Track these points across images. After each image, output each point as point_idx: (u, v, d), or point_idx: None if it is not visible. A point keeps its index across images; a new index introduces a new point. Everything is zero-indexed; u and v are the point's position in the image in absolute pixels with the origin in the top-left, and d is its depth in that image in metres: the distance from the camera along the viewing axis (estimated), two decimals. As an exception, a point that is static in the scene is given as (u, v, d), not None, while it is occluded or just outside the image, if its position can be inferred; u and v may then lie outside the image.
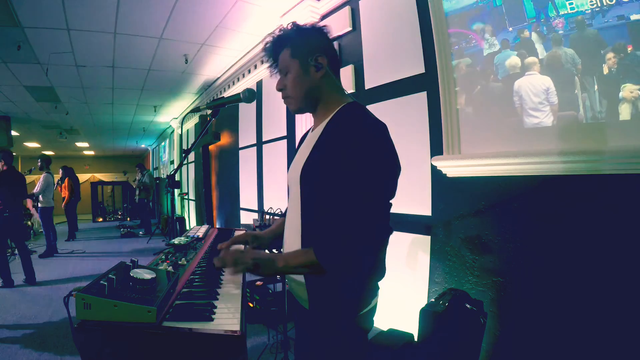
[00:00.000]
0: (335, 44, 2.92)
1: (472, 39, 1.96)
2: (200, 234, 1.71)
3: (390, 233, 0.90)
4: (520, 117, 1.77)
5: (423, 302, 2.16)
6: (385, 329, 1.90)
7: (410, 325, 1.97)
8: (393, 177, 0.90)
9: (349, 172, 0.82)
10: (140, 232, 8.02)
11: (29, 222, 7.52)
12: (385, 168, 0.87)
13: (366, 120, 0.90)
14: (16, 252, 5.01)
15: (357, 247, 0.82)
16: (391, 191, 0.90)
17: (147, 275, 0.88)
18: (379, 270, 0.96)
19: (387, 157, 0.88)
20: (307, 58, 0.95)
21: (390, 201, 0.91)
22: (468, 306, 1.68)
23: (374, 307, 0.99)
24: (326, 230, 0.87)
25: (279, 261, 0.90)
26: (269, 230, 1.26)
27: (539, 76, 1.69)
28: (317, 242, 0.87)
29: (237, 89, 4.87)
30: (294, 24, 0.98)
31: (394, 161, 0.91)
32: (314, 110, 1.02)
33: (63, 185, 7.03)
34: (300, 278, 0.95)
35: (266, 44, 1.02)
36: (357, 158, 0.82)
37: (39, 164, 5.71)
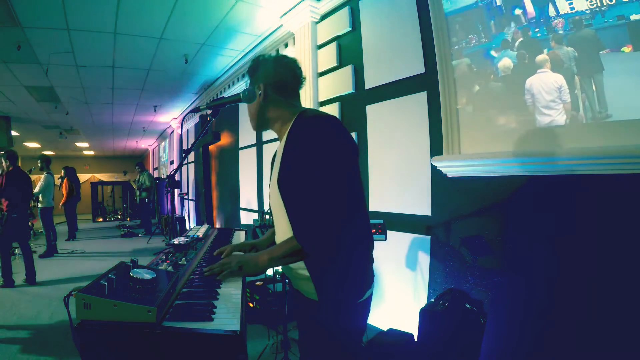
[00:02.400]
0: (335, 44, 2.92)
1: (472, 39, 1.96)
2: (200, 234, 1.71)
3: (365, 207, 1.04)
4: (533, 116, 1.75)
5: (423, 302, 2.16)
6: (385, 329, 1.90)
7: (410, 325, 1.97)
8: (350, 157, 1.01)
9: (314, 165, 0.95)
10: (140, 234, 8.02)
11: (30, 222, 7.52)
12: (342, 154, 0.98)
13: (314, 119, 1.02)
14: (16, 252, 5.01)
15: (332, 226, 0.94)
16: (354, 172, 1.01)
17: (147, 275, 0.88)
18: (365, 239, 1.05)
19: (339, 141, 0.99)
20: (254, 86, 1.13)
21: (359, 178, 1.04)
22: (468, 306, 1.68)
23: (372, 293, 1.07)
24: (305, 221, 0.99)
25: (263, 256, 1.04)
26: (264, 238, 1.36)
27: (551, 74, 1.68)
28: (297, 231, 1.00)
29: (237, 89, 4.87)
30: (258, 56, 1.17)
31: (349, 143, 1.01)
32: (269, 128, 1.17)
33: (62, 185, 7.04)
34: (304, 272, 1.02)
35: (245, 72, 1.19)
36: (315, 151, 0.96)
37: (39, 164, 5.71)
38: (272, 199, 1.11)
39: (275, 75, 1.12)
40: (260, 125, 1.18)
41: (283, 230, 1.07)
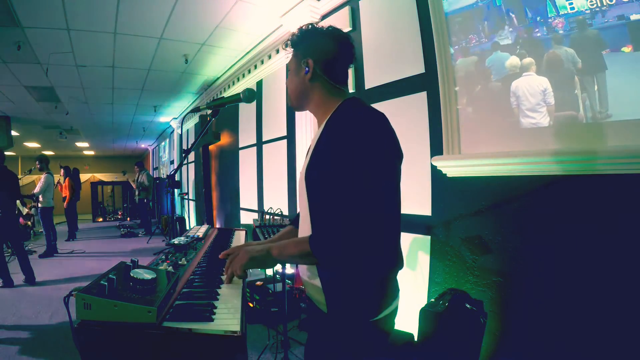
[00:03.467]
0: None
1: (472, 39, 1.96)
2: (200, 234, 1.71)
3: (399, 223, 0.89)
4: (517, 118, 1.77)
5: (423, 302, 2.16)
6: (385, 329, 1.89)
7: (410, 325, 1.97)
8: (393, 164, 0.88)
9: (349, 164, 0.83)
10: (140, 233, 8.02)
11: (29, 222, 7.52)
12: (383, 156, 0.86)
13: (361, 112, 0.91)
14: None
15: (357, 237, 0.80)
16: (393, 178, 0.88)
17: (147, 275, 0.88)
18: (394, 260, 0.94)
19: (384, 145, 0.87)
20: (301, 60, 1.00)
21: (399, 190, 0.89)
22: (468, 306, 1.68)
23: (396, 310, 0.99)
24: (327, 222, 0.88)
25: (274, 250, 0.93)
26: (270, 240, 1.26)
27: (536, 77, 1.70)
28: (314, 233, 0.89)
29: (237, 89, 4.87)
30: (309, 25, 1.03)
31: (394, 149, 0.89)
32: (307, 109, 1.06)
33: (64, 185, 7.04)
34: (316, 282, 0.94)
35: (288, 40, 1.06)
36: (354, 149, 0.83)
37: (38, 165, 5.71)
38: (299, 191, 1.00)
39: (328, 53, 0.97)
40: (299, 104, 1.06)
41: (305, 225, 0.96)
